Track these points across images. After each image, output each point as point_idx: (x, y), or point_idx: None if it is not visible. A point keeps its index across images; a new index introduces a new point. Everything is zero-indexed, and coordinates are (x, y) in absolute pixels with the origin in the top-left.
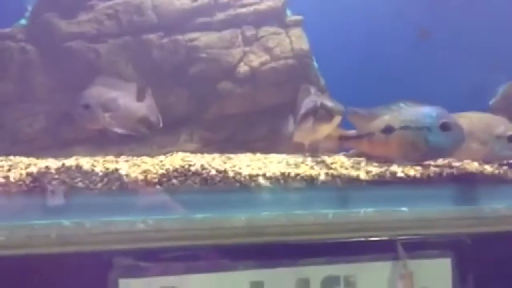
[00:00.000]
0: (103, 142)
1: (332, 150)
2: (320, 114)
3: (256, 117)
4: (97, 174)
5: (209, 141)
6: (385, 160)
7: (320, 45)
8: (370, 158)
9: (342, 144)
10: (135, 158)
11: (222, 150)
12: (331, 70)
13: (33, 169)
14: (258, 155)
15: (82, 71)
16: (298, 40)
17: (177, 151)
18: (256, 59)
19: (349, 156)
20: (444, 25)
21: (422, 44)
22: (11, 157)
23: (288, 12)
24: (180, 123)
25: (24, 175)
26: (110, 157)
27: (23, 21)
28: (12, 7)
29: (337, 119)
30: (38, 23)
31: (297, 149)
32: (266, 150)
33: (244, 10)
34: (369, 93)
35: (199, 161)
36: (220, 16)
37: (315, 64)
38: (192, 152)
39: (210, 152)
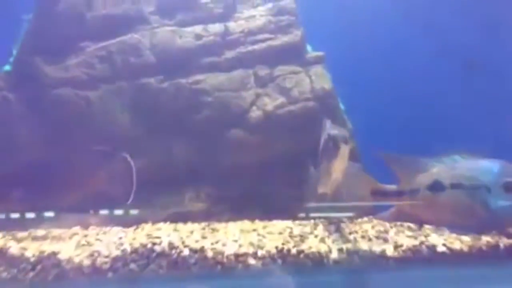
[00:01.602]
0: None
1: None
2: (329, 147)
3: (272, 169)
4: (28, 259)
5: (218, 199)
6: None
7: (349, 85)
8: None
9: (375, 199)
10: (103, 230)
11: (234, 210)
12: (362, 113)
13: None
14: (257, 222)
15: (70, 122)
16: (320, 79)
17: (182, 212)
18: (271, 102)
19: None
20: (493, 58)
21: (464, 80)
22: None
23: (309, 48)
24: (185, 179)
25: None
26: (75, 228)
27: (7, 67)
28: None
29: (344, 149)
30: (21, 69)
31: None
32: (285, 208)
33: (256, 47)
34: (407, 139)
35: (169, 237)
36: (229, 54)
37: (341, 106)
38: (200, 212)
39: (220, 212)
